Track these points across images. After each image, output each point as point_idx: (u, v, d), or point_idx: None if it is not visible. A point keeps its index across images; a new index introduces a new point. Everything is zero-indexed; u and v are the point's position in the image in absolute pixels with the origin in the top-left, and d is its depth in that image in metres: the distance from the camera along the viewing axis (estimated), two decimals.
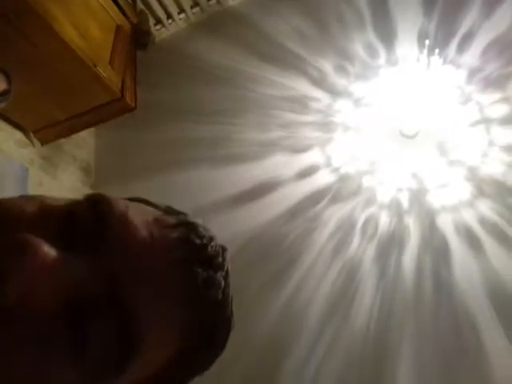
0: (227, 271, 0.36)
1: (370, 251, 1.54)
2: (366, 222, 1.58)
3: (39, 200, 0.30)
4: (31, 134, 1.77)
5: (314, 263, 1.58)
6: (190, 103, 2.01)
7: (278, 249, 1.64)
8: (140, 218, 0.31)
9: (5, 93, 1.38)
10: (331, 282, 1.53)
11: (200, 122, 1.95)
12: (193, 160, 1.90)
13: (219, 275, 0.34)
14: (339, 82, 1.86)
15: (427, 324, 1.41)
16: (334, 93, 1.86)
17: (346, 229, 1.60)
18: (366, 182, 1.65)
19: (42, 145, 1.80)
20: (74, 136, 1.85)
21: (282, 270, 1.59)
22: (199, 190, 1.85)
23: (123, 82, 1.73)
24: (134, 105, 1.78)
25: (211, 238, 0.35)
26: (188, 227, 0.34)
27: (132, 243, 0.29)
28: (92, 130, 2.01)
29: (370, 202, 1.61)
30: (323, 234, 1.61)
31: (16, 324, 0.24)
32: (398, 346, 1.38)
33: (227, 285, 0.36)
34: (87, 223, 0.29)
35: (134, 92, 1.79)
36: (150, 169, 1.95)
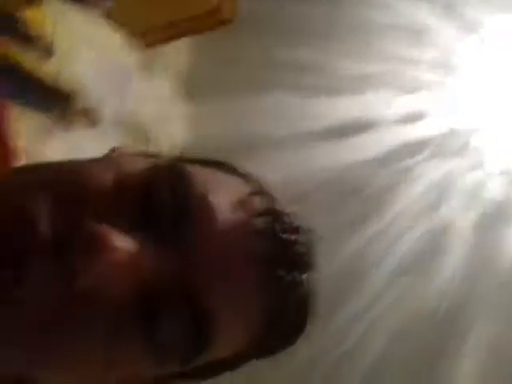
0: (314, 266, 0.33)
1: (466, 219, 1.39)
2: (468, 186, 1.40)
3: (115, 169, 0.28)
4: (132, 39, 1.76)
5: (395, 219, 1.47)
6: (290, 21, 1.84)
7: (359, 195, 1.54)
8: (222, 200, 0.28)
9: None
10: (411, 242, 1.43)
11: (300, 45, 1.80)
12: (284, 84, 1.78)
13: (304, 277, 0.31)
14: (470, 13, 1.56)
15: None
16: (461, 27, 1.57)
17: (441, 189, 1.44)
18: (475, 141, 1.44)
19: (142, 50, 1.80)
20: (171, 44, 1.82)
21: (358, 218, 1.51)
22: (287, 118, 1.76)
23: None
24: (230, 18, 1.67)
25: (300, 231, 0.31)
26: (274, 216, 0.30)
27: (211, 234, 0.27)
28: (189, 39, 1.96)
29: (475, 164, 1.41)
30: (413, 191, 1.47)
31: (88, 313, 0.24)
32: (470, 325, 1.29)
33: (312, 285, 0.33)
34: (165, 205, 0.27)
35: (232, 4, 1.67)
36: (242, 86, 1.88)
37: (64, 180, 0.27)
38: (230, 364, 0.32)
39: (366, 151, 1.58)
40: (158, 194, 0.27)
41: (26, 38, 1.32)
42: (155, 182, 0.27)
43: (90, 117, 1.54)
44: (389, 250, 1.44)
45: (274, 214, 0.30)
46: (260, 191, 0.33)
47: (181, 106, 1.99)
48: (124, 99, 1.70)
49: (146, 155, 0.35)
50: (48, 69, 1.39)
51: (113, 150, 0.36)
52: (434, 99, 1.55)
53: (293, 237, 0.30)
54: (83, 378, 0.27)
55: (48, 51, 1.38)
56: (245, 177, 0.34)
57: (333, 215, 1.55)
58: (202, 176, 0.29)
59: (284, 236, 0.29)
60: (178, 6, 1.66)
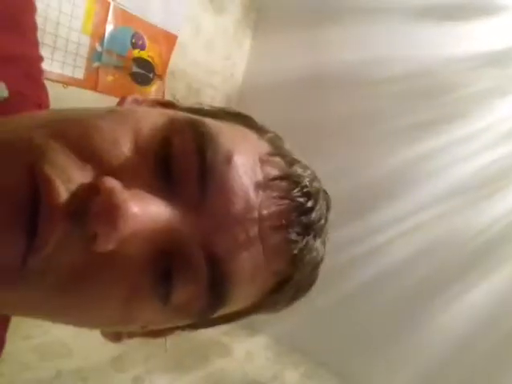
0: (327, 232, 0.34)
1: None
2: None
3: (132, 123, 0.27)
4: None
5: (477, 134, 1.27)
6: None
7: (444, 96, 1.32)
8: (245, 162, 0.28)
9: None
10: (481, 164, 1.26)
11: None
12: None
13: (318, 242, 0.32)
14: None
15: None
16: None
17: None
18: None
19: None
20: None
21: (434, 122, 1.33)
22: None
23: None
24: None
25: (317, 195, 0.32)
26: (293, 179, 0.31)
27: (235, 197, 0.27)
28: None
29: None
30: (508, 106, 1.23)
31: (108, 273, 0.25)
32: (496, 268, 1.21)
33: (324, 248, 0.34)
34: (188, 165, 0.26)
35: None
36: (315, 15, 1.53)
37: (80, 134, 0.25)
38: (237, 316, 0.34)
39: (471, 44, 1.29)
40: (181, 153, 0.26)
41: None
42: (176, 139, 0.27)
43: None
44: (453, 166, 1.30)
45: (293, 177, 0.30)
46: (280, 151, 0.32)
47: (247, 37, 1.70)
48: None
49: (162, 104, 0.34)
50: None
51: (123, 99, 0.34)
52: None
53: (310, 203, 0.30)
54: (105, 327, 0.30)
55: None
56: (264, 132, 0.33)
57: (406, 112, 1.38)
58: (226, 134, 0.29)
59: (301, 200, 0.30)
60: None
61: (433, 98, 1.33)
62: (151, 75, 1.51)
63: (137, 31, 1.39)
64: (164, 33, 1.49)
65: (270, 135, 0.34)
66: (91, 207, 0.23)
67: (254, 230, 0.28)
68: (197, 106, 0.35)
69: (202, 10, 1.61)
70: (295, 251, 0.30)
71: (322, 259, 0.34)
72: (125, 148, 0.26)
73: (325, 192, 0.34)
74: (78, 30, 1.25)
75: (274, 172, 0.30)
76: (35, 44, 0.41)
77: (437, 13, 1.33)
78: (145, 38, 1.44)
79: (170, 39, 1.52)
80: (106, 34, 1.33)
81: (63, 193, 0.23)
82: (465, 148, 1.28)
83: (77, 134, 0.25)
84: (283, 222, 0.29)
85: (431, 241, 1.31)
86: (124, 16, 1.36)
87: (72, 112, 0.29)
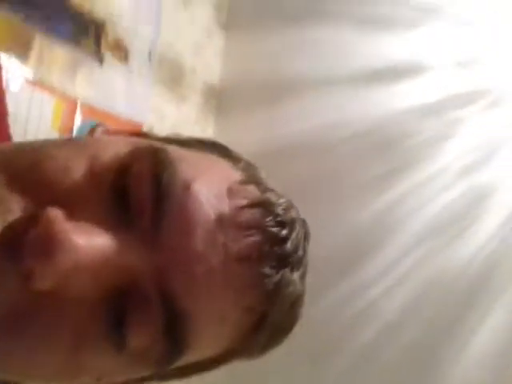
0: (306, 265, 0.31)
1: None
2: None
3: (88, 152, 0.25)
4: None
5: (435, 176, 1.35)
6: None
7: (398, 147, 1.43)
8: (209, 190, 0.26)
9: None
10: (446, 202, 1.32)
11: None
12: (332, 13, 1.61)
13: (295, 276, 0.29)
14: None
15: None
16: None
17: (490, 148, 1.29)
18: None
19: None
20: None
21: (394, 171, 1.41)
22: (330, 53, 1.61)
23: None
24: None
25: (293, 224, 0.28)
26: (266, 208, 0.27)
27: (193, 228, 0.24)
28: None
29: None
30: (459, 145, 1.33)
31: (46, 316, 0.22)
32: (494, 301, 1.21)
33: (303, 283, 0.31)
34: (143, 194, 0.24)
35: None
36: (285, 17, 1.73)
37: (29, 163, 0.24)
38: (213, 363, 0.31)
39: (413, 98, 1.43)
40: (136, 182, 0.24)
41: None
42: (134, 167, 0.24)
43: (122, 50, 1.51)
44: (421, 210, 1.35)
45: (265, 206, 0.28)
46: (253, 179, 0.30)
47: (218, 35, 1.89)
48: (157, 29, 1.64)
49: (129, 134, 0.32)
50: None
51: (92, 130, 0.34)
52: (500, 42, 1.32)
53: (284, 232, 0.27)
54: (55, 380, 0.26)
55: None
56: (237, 160, 0.31)
57: (367, 167, 1.46)
58: (189, 161, 0.27)
59: (274, 230, 0.27)
60: None
61: (389, 149, 1.43)
62: None
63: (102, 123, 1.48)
64: (130, 122, 1.58)
65: (243, 163, 0.32)
66: (27, 239, 0.21)
67: (217, 264, 0.25)
68: (169, 135, 0.33)
69: (165, 101, 1.73)
70: (269, 286, 0.27)
71: (301, 294, 0.31)
72: (77, 176, 0.24)
73: (303, 221, 0.31)
74: (48, 126, 1.31)
75: (244, 201, 0.27)
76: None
77: (377, 76, 1.49)
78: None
79: (135, 128, 1.60)
80: (75, 129, 1.40)
81: None
82: (429, 189, 1.35)
83: (25, 164, 0.24)
84: (253, 254, 0.26)
85: (423, 285, 1.31)
86: (91, 110, 1.44)
87: (27, 143, 0.28)
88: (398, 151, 1.41)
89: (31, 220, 0.21)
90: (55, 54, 1.30)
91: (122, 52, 1.50)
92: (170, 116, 1.74)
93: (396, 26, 1.47)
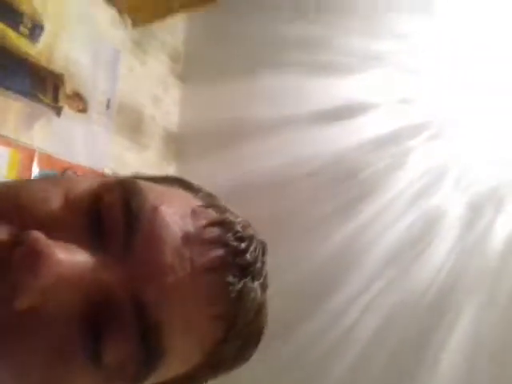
0: (266, 276, 0.33)
1: (459, 206, 1.34)
2: (462, 171, 1.35)
3: (64, 185, 0.28)
4: (125, 15, 1.72)
5: (389, 204, 1.43)
6: None
7: (354, 179, 1.51)
8: (174, 212, 0.29)
9: None
10: (402, 229, 1.40)
11: (297, 19, 1.72)
12: (283, 63, 1.73)
13: (256, 284, 0.31)
14: None
15: (504, 299, 1.25)
16: None
17: (436, 174, 1.39)
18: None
19: (134, 27, 1.76)
20: (165, 21, 1.77)
21: (352, 202, 1.48)
22: (283, 98, 1.72)
23: None
24: None
25: (251, 239, 0.32)
26: (226, 226, 0.31)
27: (161, 245, 0.27)
28: (184, 16, 1.90)
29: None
30: (408, 174, 1.43)
31: (27, 332, 0.23)
32: (457, 317, 1.26)
33: (264, 292, 0.33)
34: (116, 217, 0.27)
35: None
36: (239, 65, 1.83)
37: (10, 195, 0.26)
38: (187, 380, 0.32)
39: (362, 134, 1.53)
40: (109, 207, 0.27)
41: (14, 14, 1.30)
42: (106, 196, 0.27)
43: (80, 101, 1.53)
44: (380, 237, 1.41)
45: (225, 224, 0.31)
46: (213, 204, 0.33)
47: (175, 86, 1.96)
48: (115, 80, 1.68)
49: (97, 175, 0.35)
50: (37, 48, 1.37)
51: (62, 174, 0.36)
52: (436, 81, 1.47)
53: (243, 245, 0.30)
54: None
55: (37, 29, 1.36)
56: (198, 191, 0.35)
57: (326, 200, 1.52)
58: (155, 190, 0.30)
59: (234, 244, 0.30)
60: None
61: (345, 181, 1.51)
62: None
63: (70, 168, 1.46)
64: (90, 170, 1.57)
65: (203, 193, 0.35)
66: (12, 257, 0.23)
67: (185, 275, 0.27)
68: (134, 174, 0.37)
69: (126, 148, 1.74)
70: (233, 294, 0.29)
71: (264, 303, 0.33)
72: (54, 205, 0.26)
73: (260, 239, 0.34)
74: (2, 176, 1.29)
75: (206, 219, 0.30)
76: None
77: (329, 116, 1.59)
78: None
79: (97, 176, 1.60)
80: (32, 178, 1.38)
81: None
82: (386, 216, 1.42)
83: (7, 195, 0.26)
84: (217, 265, 0.28)
85: (390, 309, 1.34)
86: (49, 160, 1.43)
87: (10, 181, 0.31)
88: (354, 184, 1.49)
89: (16, 241, 0.23)
90: (11, 105, 1.31)
91: (80, 102, 1.52)
92: (130, 163, 1.75)
93: (343, 70, 1.60)
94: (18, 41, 1.34)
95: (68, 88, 1.47)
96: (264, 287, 0.33)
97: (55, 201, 0.26)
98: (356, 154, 1.51)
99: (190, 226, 0.29)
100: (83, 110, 1.54)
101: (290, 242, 1.53)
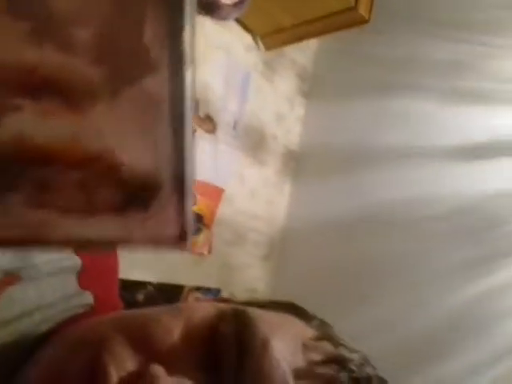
0: None
1: None
2: None
3: (186, 317, 0.30)
4: (258, 39, 1.75)
5: None
6: (433, 11, 1.60)
7: (494, 230, 1.32)
8: (285, 347, 0.28)
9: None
10: None
11: (441, 38, 1.56)
12: (421, 87, 1.58)
13: None
14: None
15: None
16: None
17: None
18: None
19: (267, 50, 1.78)
20: (296, 45, 1.76)
21: (488, 257, 1.29)
22: (416, 126, 1.58)
23: None
24: (367, 17, 1.52)
25: (368, 381, 0.30)
26: (340, 364, 0.29)
27: (271, 381, 0.27)
28: (315, 40, 1.86)
29: None
30: None
31: None
32: None
33: None
34: (228, 350, 0.28)
35: (369, 2, 1.51)
36: (369, 88, 1.74)
37: (140, 326, 0.29)
38: None
39: (508, 177, 1.33)
40: (224, 340, 0.28)
41: None
42: (221, 326, 0.29)
43: (211, 122, 1.60)
44: None
45: (339, 361, 0.29)
46: (326, 335, 0.32)
47: (300, 104, 1.94)
48: (244, 101, 1.72)
49: (217, 300, 0.38)
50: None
51: (186, 299, 0.39)
52: None
53: None
54: None
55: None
56: (312, 319, 0.34)
57: (455, 250, 1.37)
58: (267, 320, 0.30)
59: None
60: (309, 7, 1.57)
61: (483, 232, 1.33)
62: (200, 225, 1.61)
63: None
64: (213, 188, 1.64)
65: (317, 321, 0.34)
66: None
67: None
68: (249, 299, 0.38)
69: (247, 166, 1.79)
70: None
71: None
72: (175, 336, 0.28)
73: (381, 379, 0.31)
74: None
75: (318, 357, 0.29)
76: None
77: (470, 152, 1.42)
78: (196, 194, 1.58)
79: (218, 193, 1.66)
80: None
81: (113, 378, 0.26)
82: None
83: (137, 326, 0.29)
84: None
85: None
86: None
87: (140, 310, 0.33)
88: (494, 236, 1.30)
89: (139, 375, 0.26)
90: None
91: (210, 124, 1.59)
92: (249, 179, 1.79)
93: (494, 99, 1.41)
94: None
95: (201, 112, 1.54)
96: None
97: (176, 332, 0.28)
98: (498, 204, 1.33)
99: (300, 362, 0.28)
100: (212, 131, 1.61)
101: (405, 291, 1.42)
